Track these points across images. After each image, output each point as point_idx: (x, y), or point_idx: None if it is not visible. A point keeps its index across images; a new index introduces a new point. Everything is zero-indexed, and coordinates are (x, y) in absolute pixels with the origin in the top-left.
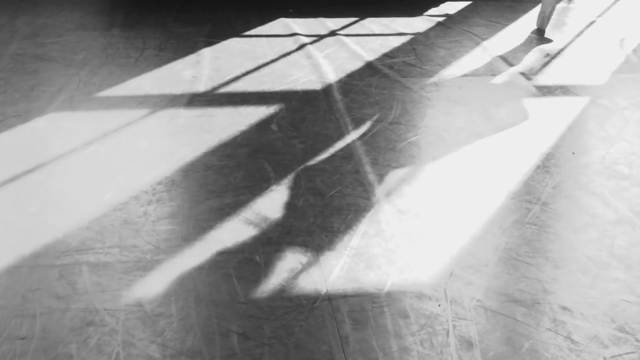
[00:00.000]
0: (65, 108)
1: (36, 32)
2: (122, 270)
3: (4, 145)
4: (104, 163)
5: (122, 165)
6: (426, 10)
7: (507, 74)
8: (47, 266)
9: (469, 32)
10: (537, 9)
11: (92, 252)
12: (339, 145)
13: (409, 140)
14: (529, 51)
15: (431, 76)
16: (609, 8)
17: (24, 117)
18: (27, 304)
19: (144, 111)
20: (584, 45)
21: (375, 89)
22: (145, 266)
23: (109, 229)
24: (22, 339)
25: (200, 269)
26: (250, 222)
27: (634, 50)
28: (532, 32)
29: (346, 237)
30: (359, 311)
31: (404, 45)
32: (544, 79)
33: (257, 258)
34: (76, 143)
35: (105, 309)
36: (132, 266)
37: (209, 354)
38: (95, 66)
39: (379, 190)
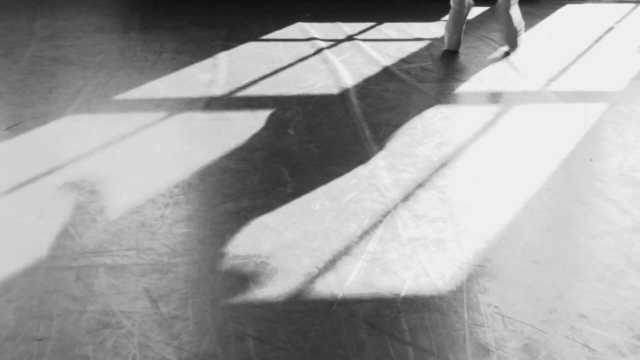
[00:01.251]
0: (83, 110)
1: (54, 35)
2: (139, 273)
3: (22, 148)
4: (120, 166)
5: (139, 168)
6: (443, 15)
7: (525, 80)
8: (64, 268)
9: (486, 37)
10: (554, 15)
11: (108, 254)
12: (356, 149)
13: (425, 146)
14: (546, 57)
15: (448, 82)
16: (627, 14)
17: (41, 119)
18: (44, 306)
19: (161, 114)
20: (602, 51)
21: (392, 94)
22: (161, 269)
23: (125, 231)
24: (39, 340)
25: (216, 272)
26: (266, 226)
27: None
28: (550, 38)
29: (362, 242)
30: (375, 316)
31: (421, 50)
32: (561, 85)
33: (273, 262)
34: (93, 145)
35: (122, 311)
36: (148, 269)
37: (224, 357)
38: (113, 69)
39: (396, 195)
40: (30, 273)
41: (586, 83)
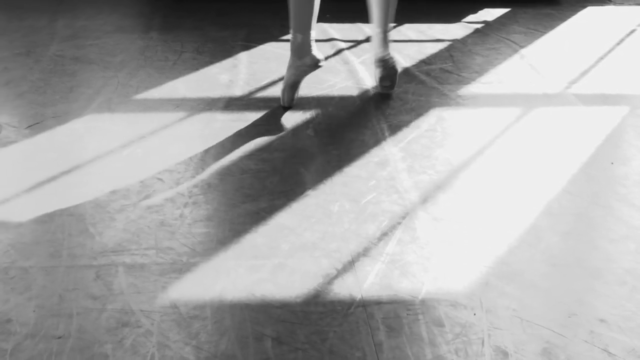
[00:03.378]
0: (103, 110)
1: (75, 34)
2: (158, 272)
3: (42, 146)
4: (140, 165)
5: (158, 167)
6: (464, 16)
7: (545, 82)
8: (83, 267)
9: (506, 39)
10: (576, 17)
11: (128, 253)
12: (375, 151)
13: (445, 148)
14: (567, 59)
15: (468, 83)
16: None
17: (62, 118)
18: (63, 304)
19: (180, 114)
20: (624, 54)
21: (411, 95)
22: (180, 268)
23: (145, 230)
24: (59, 338)
25: (235, 272)
26: (285, 226)
27: None
28: (571, 40)
29: (381, 244)
30: (393, 318)
31: (441, 51)
32: (582, 87)
33: (292, 263)
34: (113, 145)
35: (141, 310)
36: (167, 268)
37: (242, 357)
38: (134, 69)
39: (415, 197)
40: (50, 271)
41: (607, 86)
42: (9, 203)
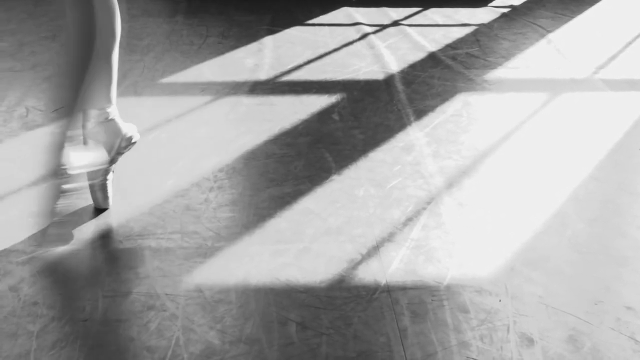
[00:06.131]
0: (130, 94)
1: None
2: (183, 256)
3: None
4: (165, 149)
5: (184, 151)
6: (490, 1)
7: (572, 67)
8: (109, 250)
9: (533, 23)
10: (604, 1)
11: (153, 237)
12: (400, 136)
13: (470, 133)
14: (595, 44)
15: (494, 68)
16: None
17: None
18: (90, 287)
19: (206, 98)
20: None
21: (437, 80)
22: (205, 252)
23: (170, 215)
24: (85, 321)
25: (259, 257)
26: (310, 211)
27: None
28: (599, 25)
29: (406, 229)
30: (418, 304)
31: (467, 36)
32: (610, 72)
33: (316, 247)
34: (139, 129)
35: (166, 294)
36: (192, 252)
37: (267, 341)
38: (159, 52)
39: (440, 183)
40: (76, 254)
41: (635, 71)
42: (34, 186)
